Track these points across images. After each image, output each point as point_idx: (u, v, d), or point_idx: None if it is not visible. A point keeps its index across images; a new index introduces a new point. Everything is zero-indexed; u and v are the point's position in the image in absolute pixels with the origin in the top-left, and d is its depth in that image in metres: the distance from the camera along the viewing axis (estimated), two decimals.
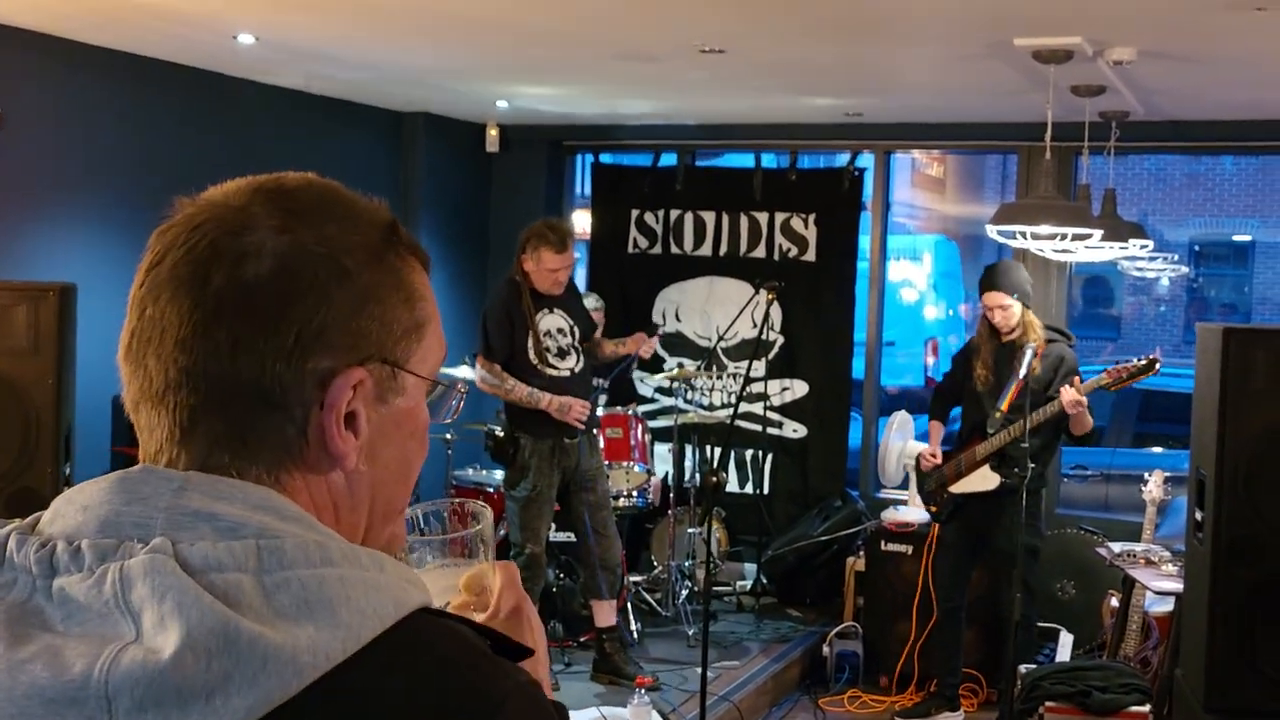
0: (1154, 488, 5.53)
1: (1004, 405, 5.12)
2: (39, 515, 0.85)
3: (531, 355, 5.24)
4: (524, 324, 5.24)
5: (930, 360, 14.05)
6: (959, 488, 5.37)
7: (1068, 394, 4.95)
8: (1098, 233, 4.71)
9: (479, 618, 1.04)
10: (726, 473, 7.21)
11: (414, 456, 0.95)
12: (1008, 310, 5.17)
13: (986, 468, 5.28)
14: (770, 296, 5.06)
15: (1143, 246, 5.88)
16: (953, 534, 5.51)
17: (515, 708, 0.82)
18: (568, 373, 5.29)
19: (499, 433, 5.49)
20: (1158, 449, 9.08)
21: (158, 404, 0.86)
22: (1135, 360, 5.05)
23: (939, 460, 5.46)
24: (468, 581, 1.05)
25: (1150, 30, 4.29)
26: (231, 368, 0.84)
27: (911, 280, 14.34)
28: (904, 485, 6.37)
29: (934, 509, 5.55)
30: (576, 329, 5.37)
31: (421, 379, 0.93)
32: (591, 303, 6.26)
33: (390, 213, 0.94)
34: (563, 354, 5.31)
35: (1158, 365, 5.00)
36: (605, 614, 5.45)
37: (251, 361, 0.84)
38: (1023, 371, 4.98)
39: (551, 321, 5.31)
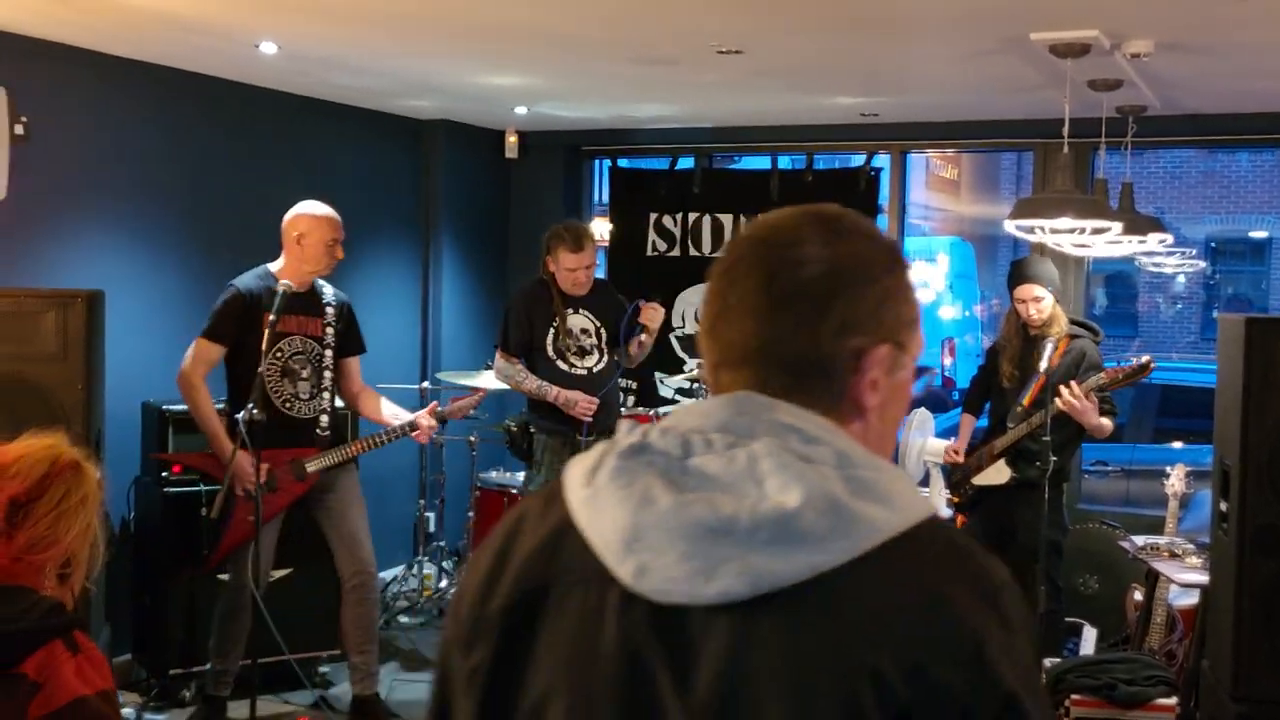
0: (1176, 481, 5.53)
1: (1025, 400, 5.15)
2: (650, 424, 1.17)
3: (550, 351, 5.33)
4: (546, 320, 5.31)
5: (947, 360, 14.05)
6: (978, 480, 5.41)
7: (1063, 395, 4.95)
8: (1117, 226, 4.71)
9: None
10: None
11: (900, 416, 1.25)
12: (1041, 302, 5.17)
13: (1002, 462, 5.30)
14: None
15: (1161, 241, 5.89)
16: (975, 529, 5.53)
17: (1010, 592, 1.10)
18: (584, 371, 5.37)
19: (514, 427, 5.54)
20: (1177, 444, 9.06)
21: (737, 367, 1.17)
22: (1133, 361, 5.09)
23: (961, 456, 5.49)
24: None
25: (1168, 21, 4.29)
26: (794, 343, 1.15)
27: (927, 281, 14.34)
28: (924, 482, 6.37)
29: (956, 499, 5.59)
30: (604, 330, 5.43)
31: (911, 361, 1.23)
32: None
33: (893, 239, 1.27)
34: (584, 353, 5.38)
35: (1152, 366, 5.06)
36: None
37: (809, 338, 1.15)
38: (1043, 365, 4.99)
39: (576, 321, 5.38)
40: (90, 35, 5.05)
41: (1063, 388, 4.97)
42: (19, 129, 4.96)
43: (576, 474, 1.16)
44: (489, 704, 1.15)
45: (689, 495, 1.08)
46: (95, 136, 5.35)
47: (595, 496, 1.12)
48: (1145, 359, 5.08)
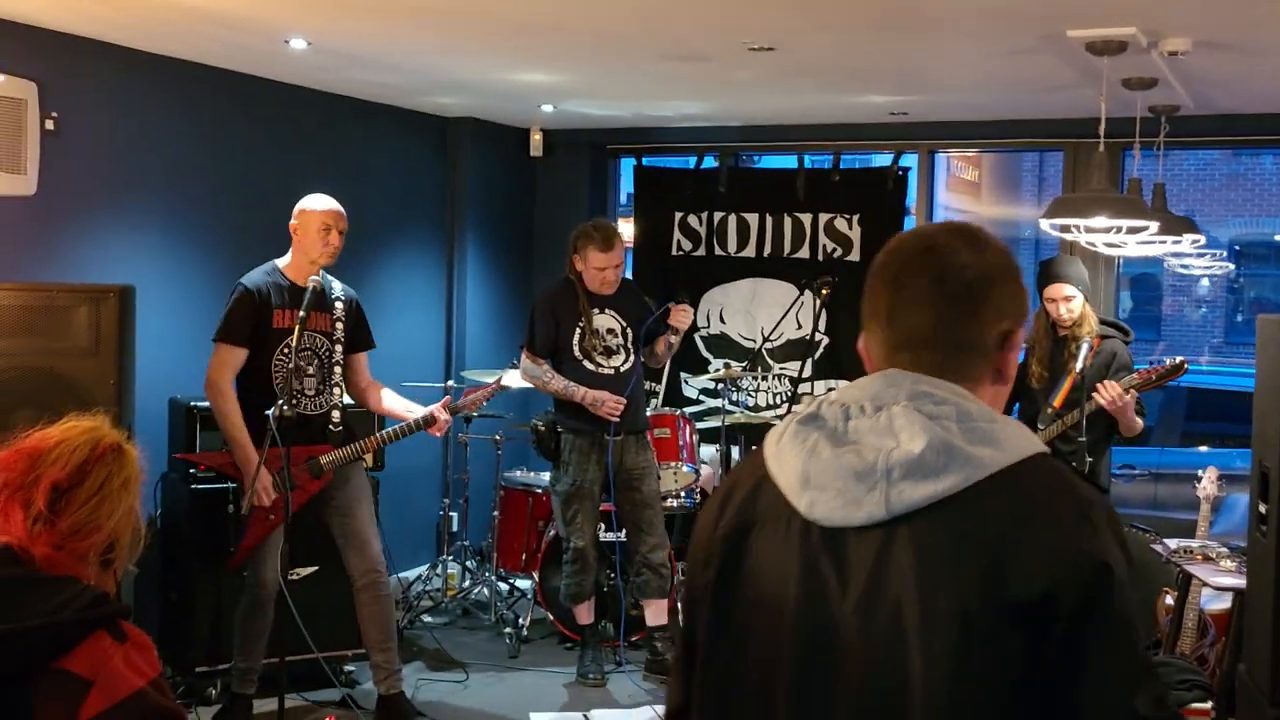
0: (1208, 484, 5.48)
1: (1056, 401, 5.09)
2: (823, 397, 1.54)
3: (576, 350, 5.32)
4: (572, 320, 5.29)
5: None
6: None
7: (1105, 392, 4.90)
8: (1154, 224, 4.67)
9: None
10: None
11: (1013, 377, 1.59)
12: (1071, 302, 5.11)
13: None
14: (825, 291, 5.05)
15: (1194, 242, 5.85)
16: None
17: (1100, 507, 1.42)
18: (611, 371, 5.37)
19: (541, 427, 5.52)
20: (1204, 447, 8.99)
21: (917, 349, 1.51)
22: (1166, 362, 5.04)
23: None
24: None
25: (1207, 19, 4.25)
26: (963, 329, 1.51)
27: None
28: None
29: None
30: (630, 330, 5.42)
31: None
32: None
33: (1006, 246, 1.57)
34: (610, 353, 5.36)
35: (1185, 367, 5.02)
36: (656, 613, 5.47)
37: (971, 327, 1.51)
38: (1078, 366, 4.95)
39: (603, 321, 5.38)
40: (120, 30, 5.05)
41: (1100, 386, 4.92)
42: (49, 124, 4.96)
43: (771, 438, 1.56)
44: (718, 607, 1.54)
45: (844, 448, 1.47)
46: (125, 132, 5.35)
47: (780, 452, 1.53)
48: (1179, 360, 5.02)
